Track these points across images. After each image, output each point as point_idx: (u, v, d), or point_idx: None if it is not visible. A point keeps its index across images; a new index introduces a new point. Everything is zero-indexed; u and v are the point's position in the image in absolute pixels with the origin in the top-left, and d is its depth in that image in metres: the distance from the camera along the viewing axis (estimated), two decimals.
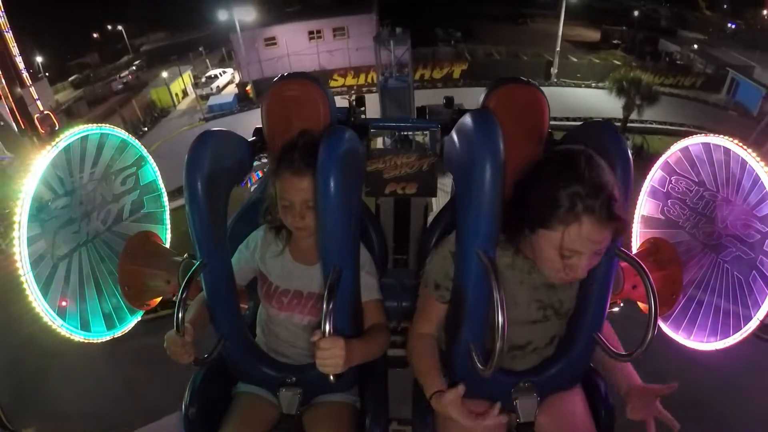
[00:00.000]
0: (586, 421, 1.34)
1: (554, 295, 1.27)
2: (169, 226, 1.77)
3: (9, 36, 18.55)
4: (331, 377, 1.15)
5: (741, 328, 1.42)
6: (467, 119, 1.18)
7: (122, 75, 28.97)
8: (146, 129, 21.13)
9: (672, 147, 1.61)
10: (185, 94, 24.74)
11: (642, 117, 16.63)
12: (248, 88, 22.00)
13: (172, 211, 1.79)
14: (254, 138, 1.53)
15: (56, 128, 19.86)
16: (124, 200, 1.62)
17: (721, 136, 1.46)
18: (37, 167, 1.30)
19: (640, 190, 1.73)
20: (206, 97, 22.82)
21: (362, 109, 1.70)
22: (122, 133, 1.59)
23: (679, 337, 1.58)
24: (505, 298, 1.03)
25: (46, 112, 20.18)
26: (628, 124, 16.73)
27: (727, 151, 1.44)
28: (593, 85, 21.03)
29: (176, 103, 23.93)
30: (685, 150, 1.57)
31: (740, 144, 1.41)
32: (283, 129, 1.45)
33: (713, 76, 21.32)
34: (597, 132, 1.22)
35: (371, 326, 1.38)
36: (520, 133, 1.38)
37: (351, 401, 1.50)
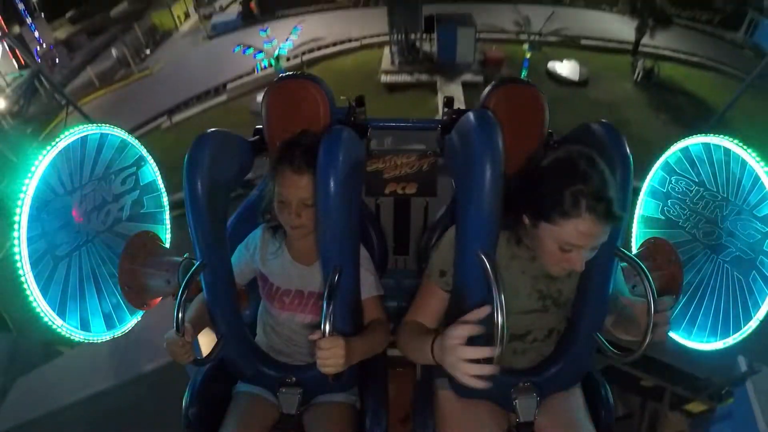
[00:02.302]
0: (585, 421, 1.34)
1: (554, 285, 1.29)
2: (169, 226, 1.77)
3: None
4: (331, 377, 1.15)
5: (741, 328, 1.42)
6: (467, 119, 1.18)
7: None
8: (149, 52, 20.88)
9: (672, 147, 1.61)
10: (187, 15, 24.26)
11: (654, 41, 16.19)
12: (252, 3, 21.63)
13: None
14: (254, 138, 1.53)
15: (56, 61, 19.79)
16: (124, 200, 1.62)
17: (721, 136, 1.46)
18: (37, 167, 1.30)
19: (641, 190, 1.73)
20: (209, 17, 22.54)
21: (362, 109, 1.69)
22: (122, 133, 1.59)
23: (679, 337, 1.58)
24: (506, 289, 1.04)
25: (46, 44, 20.06)
26: (640, 48, 16.36)
27: (727, 151, 1.44)
28: (606, 8, 19.93)
29: (178, 25, 23.65)
30: (685, 150, 1.57)
31: (740, 144, 1.41)
32: (283, 129, 1.46)
33: (732, 14, 19.50)
34: (598, 132, 1.22)
35: (371, 322, 1.38)
36: (520, 133, 1.39)
37: (351, 401, 1.50)
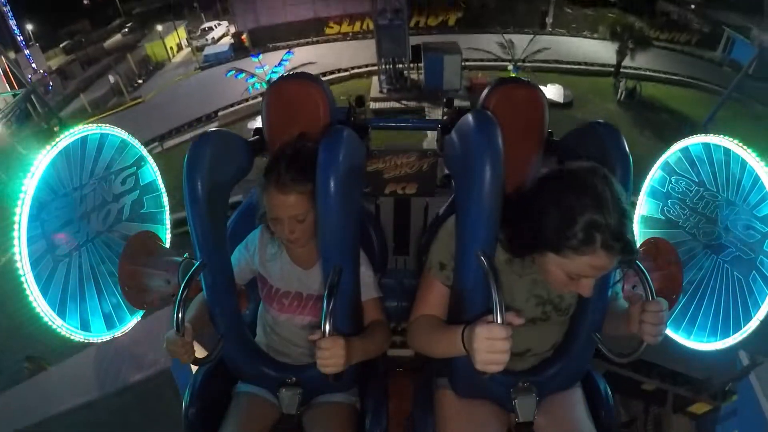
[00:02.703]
0: (585, 421, 1.34)
1: (554, 290, 1.24)
2: (169, 227, 1.78)
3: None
4: (331, 377, 1.15)
5: (741, 328, 1.42)
6: (467, 119, 1.18)
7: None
8: (141, 81, 21.29)
9: (672, 147, 1.61)
10: (180, 48, 25.09)
11: (635, 62, 16.84)
12: (243, 36, 22.24)
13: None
14: (254, 138, 1.53)
15: (50, 87, 20.19)
16: (124, 200, 1.62)
17: (721, 136, 1.46)
18: (37, 168, 1.30)
19: (640, 190, 1.73)
20: (201, 49, 23.24)
21: (362, 109, 1.69)
22: (122, 133, 1.59)
23: (679, 337, 1.58)
24: (503, 297, 1.03)
25: (41, 70, 20.80)
26: (622, 70, 17.01)
27: (727, 151, 1.44)
28: (588, 35, 20.94)
29: (171, 56, 24.32)
30: (685, 150, 1.57)
31: (740, 144, 1.41)
32: (283, 129, 1.46)
33: (709, 35, 20.72)
34: (598, 133, 1.22)
35: (370, 324, 1.38)
36: (519, 133, 1.39)
37: (351, 401, 1.50)
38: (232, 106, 16.02)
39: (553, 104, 15.51)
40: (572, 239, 0.98)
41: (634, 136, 13.52)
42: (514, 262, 1.22)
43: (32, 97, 15.29)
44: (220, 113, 15.91)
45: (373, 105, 15.57)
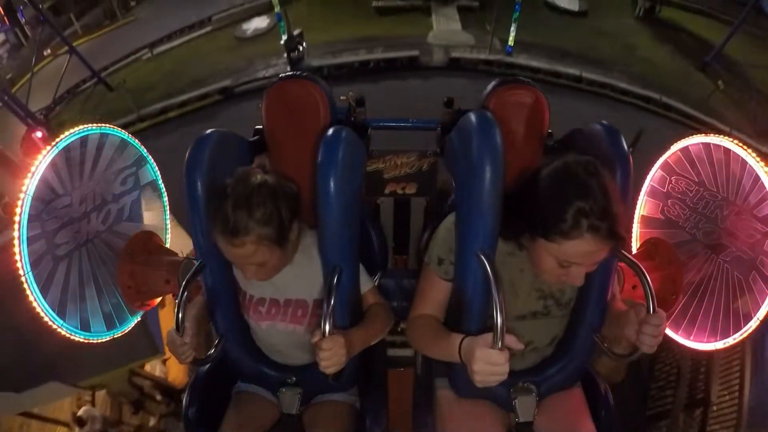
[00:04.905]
0: (585, 421, 1.34)
1: (555, 283, 1.24)
2: (169, 227, 1.78)
3: None
4: (331, 376, 1.16)
5: (741, 329, 1.42)
6: (467, 120, 1.18)
7: None
8: (135, 3, 19.96)
9: (672, 147, 1.61)
10: None
11: None
12: None
13: None
14: (254, 138, 1.53)
15: (41, 19, 19.52)
16: (124, 200, 1.62)
17: (721, 136, 1.46)
18: (37, 167, 1.30)
19: (640, 190, 1.73)
20: None
21: (362, 109, 1.69)
22: (122, 133, 1.59)
23: (679, 337, 1.58)
24: (505, 290, 1.03)
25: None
26: None
27: (727, 151, 1.44)
28: None
29: None
30: (685, 150, 1.57)
31: (740, 144, 1.41)
32: (283, 129, 1.46)
33: None
34: (596, 132, 1.22)
35: (369, 308, 1.38)
36: (520, 134, 1.39)
37: (351, 401, 1.50)
38: (226, 10, 15.07)
39: (566, 12, 14.57)
40: (561, 224, 1.01)
41: (655, 47, 12.58)
42: (516, 255, 1.23)
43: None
44: (213, 17, 14.96)
45: (376, 3, 14.78)
